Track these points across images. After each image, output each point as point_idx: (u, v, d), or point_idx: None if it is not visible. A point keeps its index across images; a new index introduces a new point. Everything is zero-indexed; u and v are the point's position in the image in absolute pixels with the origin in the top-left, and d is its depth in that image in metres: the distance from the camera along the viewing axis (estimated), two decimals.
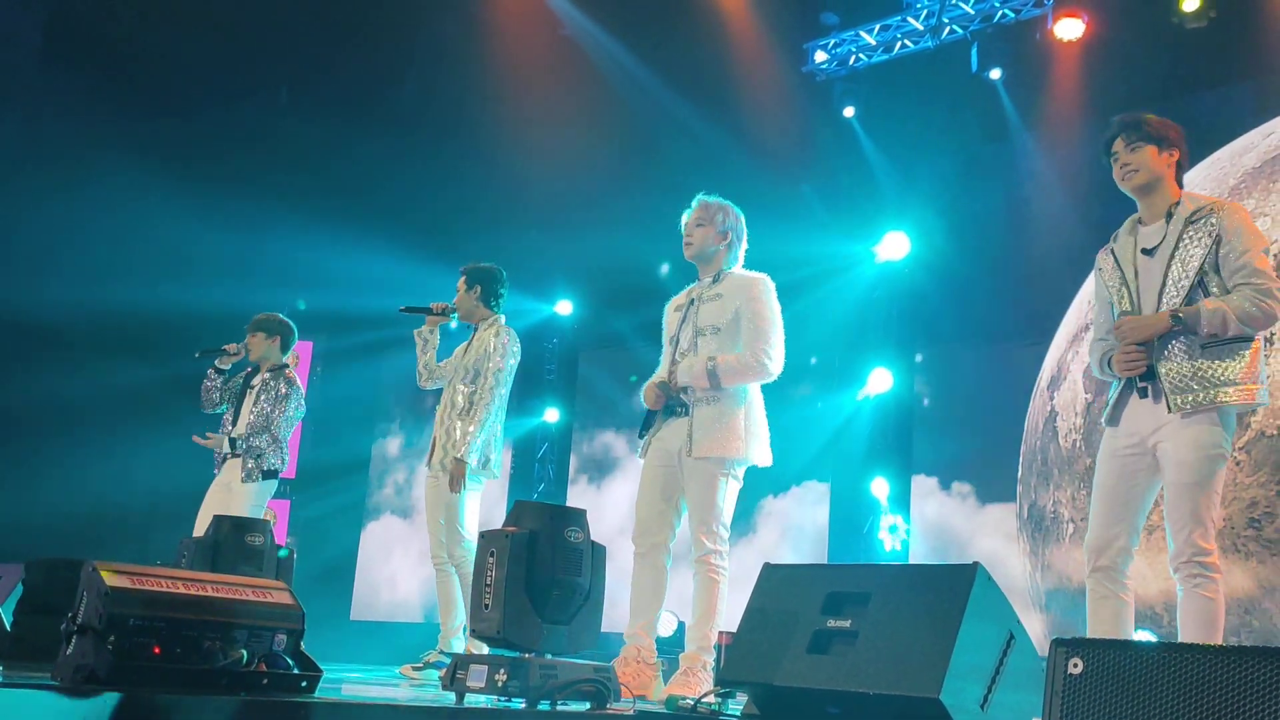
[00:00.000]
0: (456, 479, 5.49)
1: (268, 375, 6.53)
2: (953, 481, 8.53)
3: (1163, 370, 3.55)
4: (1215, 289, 3.55)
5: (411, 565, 11.28)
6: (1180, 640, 3.41)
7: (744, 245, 4.71)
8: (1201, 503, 3.46)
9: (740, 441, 4.41)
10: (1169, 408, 3.52)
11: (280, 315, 6.70)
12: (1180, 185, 3.79)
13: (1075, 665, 2.35)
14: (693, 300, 4.67)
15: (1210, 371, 3.49)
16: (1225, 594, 3.48)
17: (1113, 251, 3.84)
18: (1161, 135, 3.74)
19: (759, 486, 9.40)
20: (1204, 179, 7.60)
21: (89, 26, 9.69)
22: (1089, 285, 7.95)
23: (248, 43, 9.54)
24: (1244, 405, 3.52)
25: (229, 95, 9.82)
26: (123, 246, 9.45)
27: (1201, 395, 3.49)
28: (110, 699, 2.52)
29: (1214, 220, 3.59)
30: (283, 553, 5.17)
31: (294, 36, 9.57)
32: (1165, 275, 3.62)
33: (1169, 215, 3.70)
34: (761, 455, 4.49)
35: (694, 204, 4.71)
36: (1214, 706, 2.14)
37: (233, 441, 6.38)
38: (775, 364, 4.46)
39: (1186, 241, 3.61)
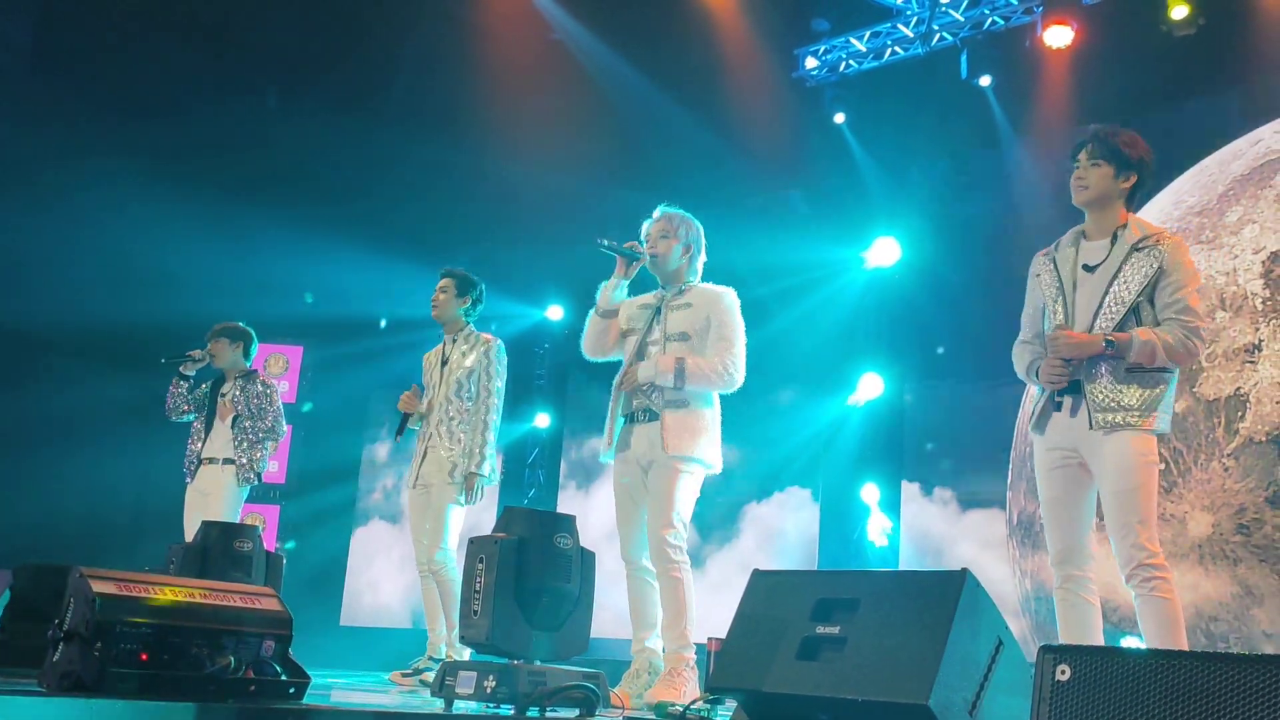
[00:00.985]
0: (472, 493, 5.58)
1: (238, 382, 6.62)
2: (935, 487, 8.54)
3: (1088, 389, 3.66)
4: (1146, 318, 3.67)
5: (399, 572, 11.25)
6: (1145, 644, 3.46)
7: (703, 258, 4.74)
8: (1142, 505, 3.55)
9: (702, 443, 4.48)
10: (1090, 424, 3.63)
11: (241, 323, 6.82)
12: (1131, 208, 3.87)
13: (1063, 672, 2.35)
14: (658, 307, 4.69)
15: (1131, 396, 3.62)
16: (1180, 593, 3.55)
17: (1053, 259, 3.91)
18: (1124, 158, 3.79)
19: (742, 491, 9.42)
20: (1192, 186, 7.63)
21: (78, 30, 9.66)
22: None
23: (236, 47, 9.53)
24: (1160, 431, 3.63)
25: (217, 100, 9.79)
26: (110, 252, 9.42)
27: (1121, 416, 3.61)
28: (97, 706, 2.51)
29: (1158, 251, 3.69)
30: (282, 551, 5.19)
31: (283, 41, 9.56)
32: (1104, 295, 3.71)
33: (1114, 237, 3.78)
34: (715, 458, 4.56)
35: (657, 214, 4.74)
36: (1201, 713, 2.15)
37: (211, 456, 6.47)
38: (739, 375, 4.55)
39: (1130, 266, 3.70)
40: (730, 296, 4.63)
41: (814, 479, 9.12)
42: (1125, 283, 3.69)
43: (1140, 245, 3.72)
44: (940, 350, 8.77)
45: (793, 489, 9.21)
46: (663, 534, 4.39)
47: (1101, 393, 3.63)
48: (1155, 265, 3.67)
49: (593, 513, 9.58)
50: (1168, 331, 3.61)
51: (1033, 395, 4.00)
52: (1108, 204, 3.81)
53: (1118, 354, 3.61)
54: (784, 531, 9.19)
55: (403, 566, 11.18)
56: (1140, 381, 3.63)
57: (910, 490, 8.65)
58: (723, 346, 4.51)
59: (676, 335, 4.58)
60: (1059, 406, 3.73)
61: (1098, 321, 3.69)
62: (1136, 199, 3.87)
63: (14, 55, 9.61)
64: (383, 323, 10.56)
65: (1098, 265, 3.77)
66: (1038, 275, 3.96)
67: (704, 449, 4.48)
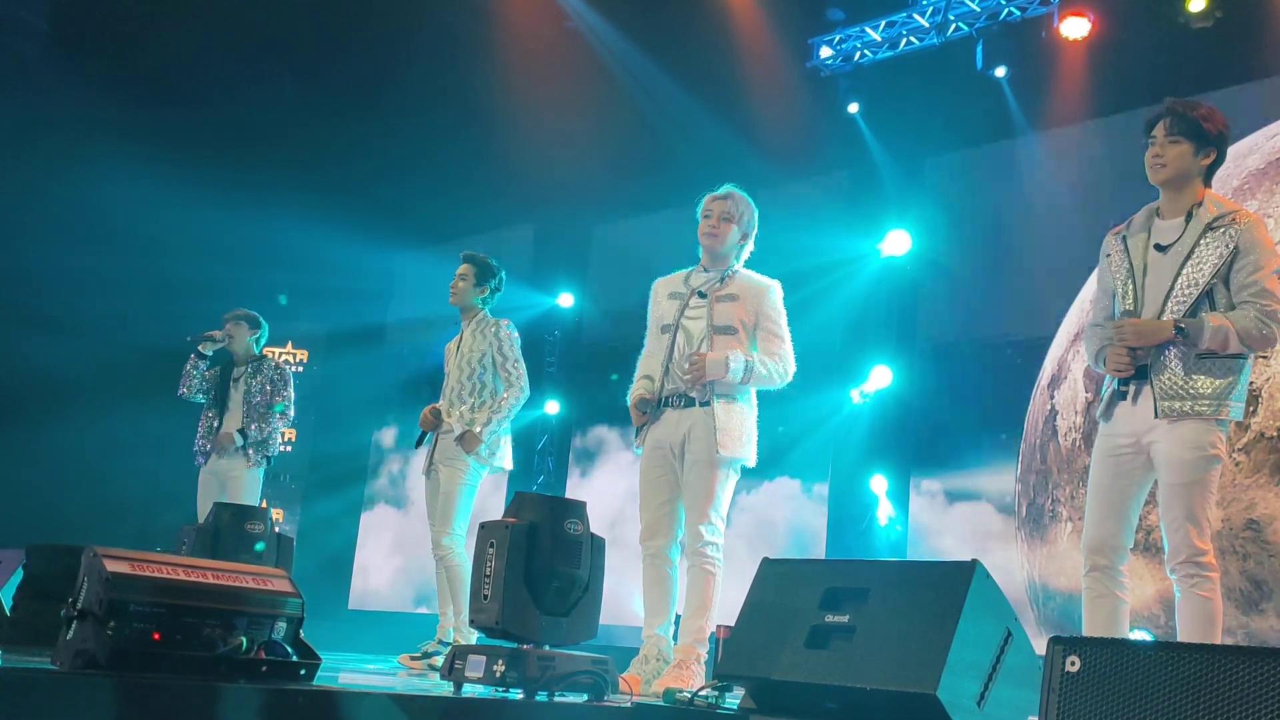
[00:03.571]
0: (471, 442, 5.51)
1: (250, 367, 6.69)
2: (939, 479, 8.52)
3: (1154, 377, 3.54)
4: (1221, 301, 3.52)
5: (406, 556, 11.29)
6: (1179, 640, 3.41)
7: (751, 246, 4.70)
8: (1196, 502, 3.45)
9: (745, 441, 4.47)
10: (1156, 412, 3.51)
11: (251, 310, 6.94)
12: (1208, 185, 3.71)
13: (1073, 663, 2.35)
14: (700, 293, 4.58)
15: (1202, 385, 3.48)
16: (1222, 593, 3.49)
17: (1124, 239, 3.76)
18: (1204, 134, 3.65)
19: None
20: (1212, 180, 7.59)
21: (94, 12, 9.68)
22: (1090, 284, 7.96)
23: (252, 32, 9.53)
24: (1222, 420, 3.50)
25: (232, 85, 9.81)
26: (125, 234, 9.45)
27: (1191, 405, 3.48)
28: (110, 684, 2.52)
29: (1233, 231, 3.53)
30: (259, 546, 5.18)
31: (299, 27, 9.56)
32: (1176, 277, 3.56)
33: (1189, 215, 3.62)
34: (753, 454, 4.56)
35: (723, 192, 4.61)
36: (1211, 706, 2.15)
37: (242, 434, 6.51)
38: (794, 371, 4.56)
39: (1203, 247, 3.54)
40: (777, 290, 4.58)
41: (803, 470, 9.10)
42: (1198, 264, 3.53)
43: (1215, 224, 3.55)
44: (947, 341, 8.74)
45: (782, 479, 9.20)
46: (701, 530, 4.38)
47: (1169, 381, 3.49)
48: (1230, 245, 3.50)
49: (590, 498, 9.60)
50: (1243, 315, 3.45)
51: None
52: (1184, 182, 3.65)
53: (1188, 341, 3.47)
54: (773, 522, 9.19)
55: (409, 551, 11.21)
56: (1211, 370, 3.48)
57: (917, 483, 8.64)
58: (777, 343, 4.51)
59: (723, 328, 4.50)
60: (1124, 395, 3.60)
61: (1168, 306, 3.55)
62: (1213, 176, 3.72)
63: (31, 41, 9.64)
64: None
65: (1170, 246, 3.61)
66: (1108, 255, 3.80)
67: (749, 448, 4.49)
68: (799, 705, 3.16)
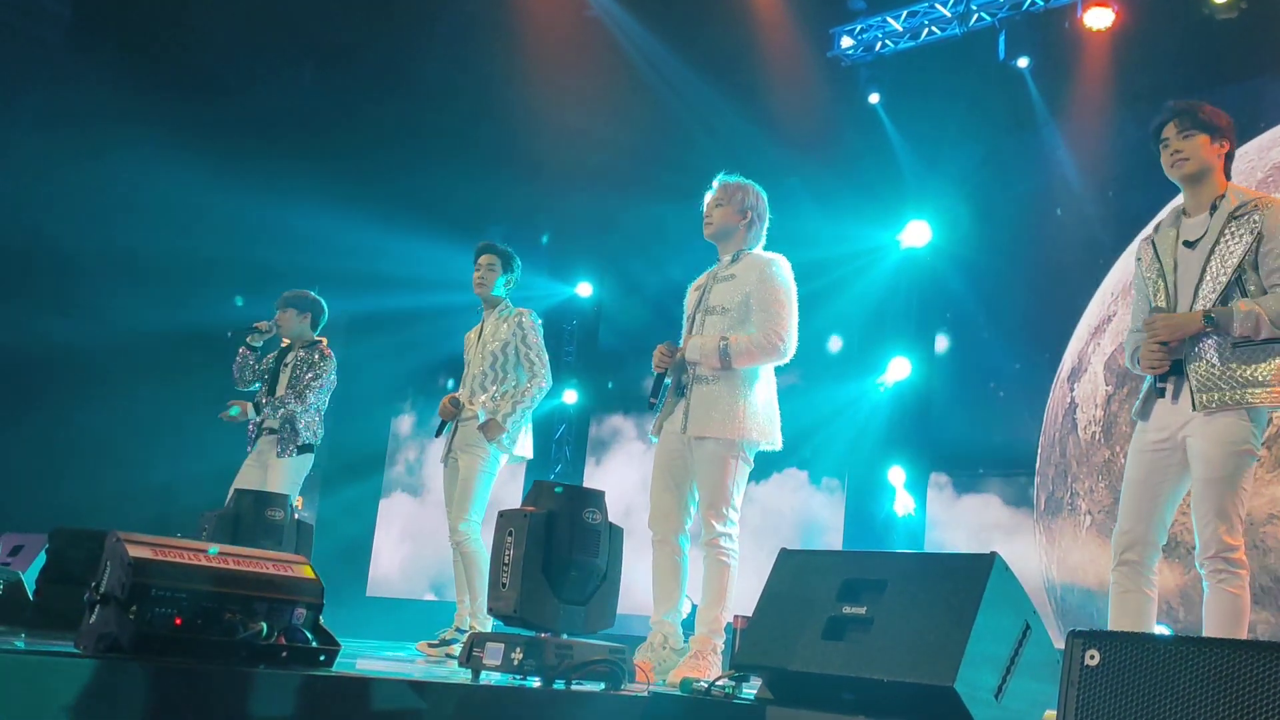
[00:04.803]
0: (494, 430, 5.53)
1: (301, 352, 6.54)
2: (964, 469, 8.49)
3: (1191, 369, 3.52)
4: (1253, 287, 3.51)
5: (422, 543, 11.33)
6: (1205, 635, 3.40)
7: (765, 224, 4.68)
8: (1227, 498, 3.43)
9: (743, 422, 4.38)
10: (1194, 405, 3.49)
11: (311, 293, 6.70)
12: (1229, 177, 3.72)
13: (1092, 657, 2.35)
14: (711, 280, 4.67)
15: (1240, 372, 3.46)
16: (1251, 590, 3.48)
17: (1153, 243, 3.77)
18: (1214, 125, 3.67)
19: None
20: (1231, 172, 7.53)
21: (116, 2, 9.71)
22: (1111, 277, 7.93)
23: (273, 21, 9.53)
24: (1273, 406, 3.49)
25: (253, 73, 9.83)
26: (145, 219, 9.49)
27: (1229, 395, 3.46)
28: (132, 668, 2.55)
29: (1257, 217, 3.54)
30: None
31: (319, 14, 9.56)
32: (1204, 270, 3.56)
33: (1214, 208, 3.64)
34: (770, 437, 4.47)
35: (715, 184, 4.69)
36: (1231, 701, 2.14)
37: (258, 407, 6.38)
38: (788, 344, 4.43)
39: (1228, 237, 3.55)
40: (774, 264, 4.52)
41: (812, 461, 9.10)
42: (1224, 255, 3.54)
43: (1238, 213, 3.57)
44: (967, 332, 8.70)
45: (790, 470, 9.20)
46: (715, 522, 4.37)
47: (1205, 372, 3.49)
48: (1255, 231, 3.51)
49: (610, 489, 9.62)
50: (1273, 299, 3.45)
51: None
52: (1207, 175, 3.67)
53: (1219, 329, 3.47)
54: (780, 512, 9.19)
55: (425, 539, 11.25)
56: (1249, 356, 3.46)
57: (935, 475, 8.61)
58: (767, 317, 4.41)
59: (715, 309, 4.52)
60: (1162, 393, 3.59)
61: (1199, 298, 3.55)
62: (1231, 167, 3.74)
63: (53, 27, 9.68)
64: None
65: (1198, 240, 3.63)
66: (1139, 260, 3.82)
67: (751, 428, 4.38)
68: (816, 696, 3.16)
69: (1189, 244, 3.65)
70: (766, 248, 4.70)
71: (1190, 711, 2.18)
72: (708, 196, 4.69)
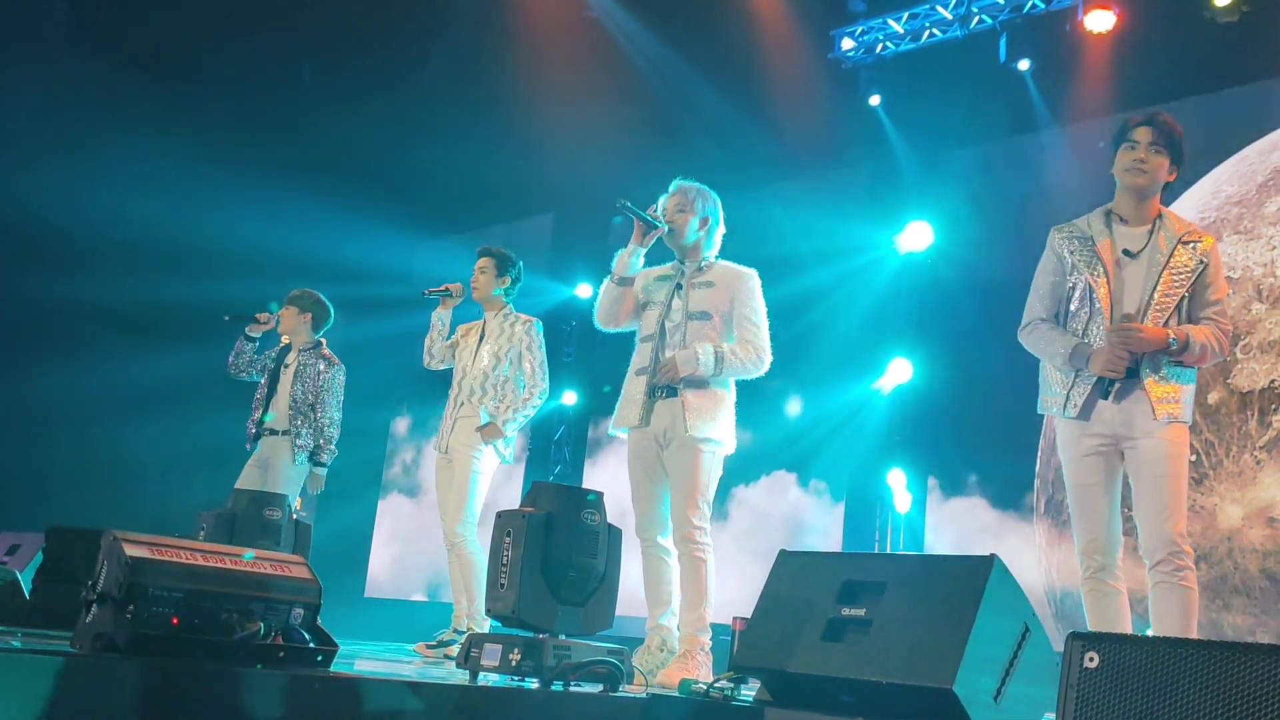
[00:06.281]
0: (493, 434, 5.61)
1: (302, 355, 6.52)
2: (964, 471, 8.48)
3: (1149, 380, 3.68)
4: (1184, 312, 3.73)
5: (419, 544, 11.32)
6: (1153, 632, 3.51)
7: (721, 230, 4.71)
8: (1178, 493, 3.59)
9: (722, 423, 4.50)
10: (1154, 414, 3.64)
11: (318, 294, 6.69)
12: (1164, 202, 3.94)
13: (1091, 659, 2.35)
14: (678, 283, 4.65)
15: (1180, 391, 3.69)
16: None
17: (1087, 240, 3.86)
18: (1179, 151, 3.82)
19: (730, 474, 9.37)
20: (1232, 175, 7.53)
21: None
22: None
23: (272, 18, 9.53)
24: (1189, 422, 3.72)
25: (252, 70, 9.81)
26: (145, 223, 9.47)
27: (1175, 410, 3.66)
28: (129, 668, 2.54)
29: (1204, 249, 3.75)
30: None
31: (318, 13, 9.55)
32: (1155, 283, 3.71)
33: (1155, 226, 3.80)
34: (732, 438, 4.58)
35: (672, 187, 4.70)
36: (1230, 703, 2.14)
37: (272, 426, 6.42)
38: (769, 358, 4.58)
39: (1181, 259, 3.73)
40: (755, 279, 4.63)
41: (800, 464, 9.10)
42: (1177, 274, 3.72)
43: (1186, 240, 3.76)
44: (967, 334, 8.69)
45: (779, 473, 9.19)
46: (688, 516, 4.40)
47: (1162, 385, 3.67)
48: (1202, 264, 3.73)
49: (609, 490, 9.62)
50: (1211, 334, 3.68)
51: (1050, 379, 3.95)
52: (1153, 193, 3.84)
53: (1176, 351, 3.65)
54: (769, 515, 9.18)
55: (421, 540, 11.24)
56: (1183, 377, 3.71)
57: (935, 478, 8.60)
58: (752, 330, 4.53)
59: (698, 314, 4.55)
60: (1107, 394, 3.70)
61: (1149, 310, 3.71)
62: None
63: (52, 24, 9.66)
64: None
65: (1139, 252, 3.78)
66: (1059, 253, 3.94)
67: (723, 429, 4.51)
68: (815, 698, 3.15)
69: (1129, 253, 3.79)
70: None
71: (1189, 713, 2.17)
72: (665, 199, 4.69)
